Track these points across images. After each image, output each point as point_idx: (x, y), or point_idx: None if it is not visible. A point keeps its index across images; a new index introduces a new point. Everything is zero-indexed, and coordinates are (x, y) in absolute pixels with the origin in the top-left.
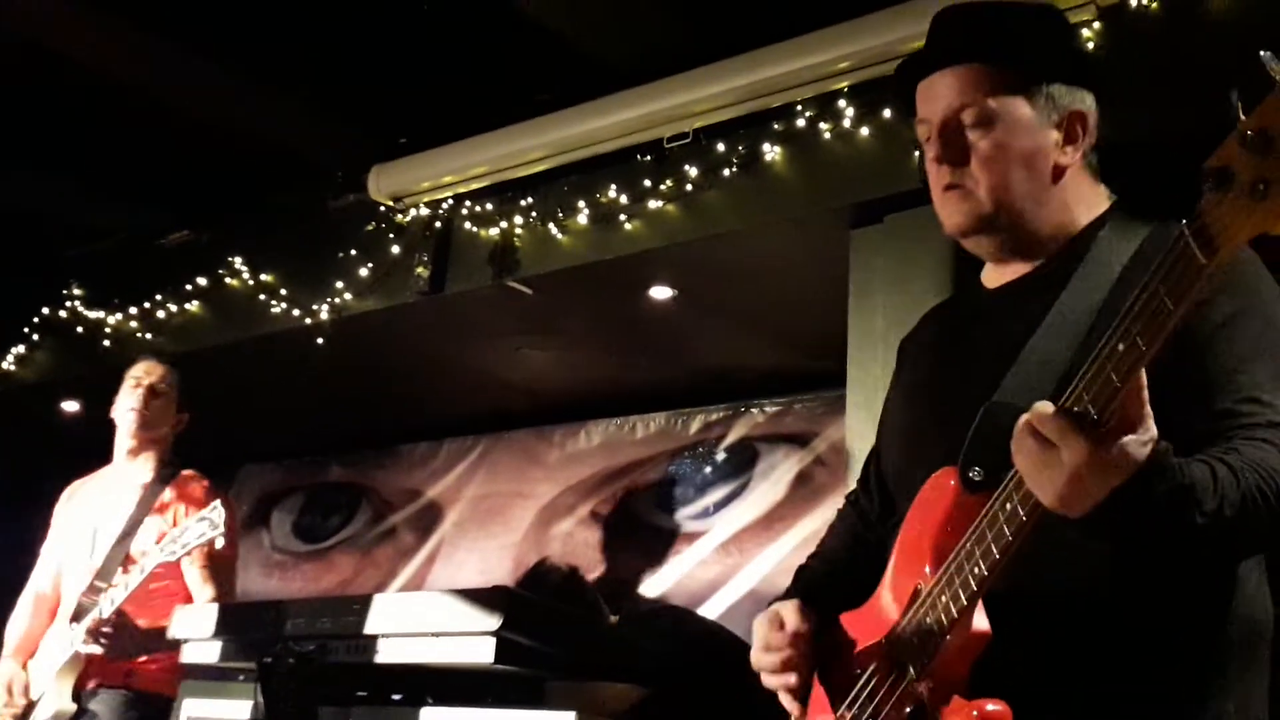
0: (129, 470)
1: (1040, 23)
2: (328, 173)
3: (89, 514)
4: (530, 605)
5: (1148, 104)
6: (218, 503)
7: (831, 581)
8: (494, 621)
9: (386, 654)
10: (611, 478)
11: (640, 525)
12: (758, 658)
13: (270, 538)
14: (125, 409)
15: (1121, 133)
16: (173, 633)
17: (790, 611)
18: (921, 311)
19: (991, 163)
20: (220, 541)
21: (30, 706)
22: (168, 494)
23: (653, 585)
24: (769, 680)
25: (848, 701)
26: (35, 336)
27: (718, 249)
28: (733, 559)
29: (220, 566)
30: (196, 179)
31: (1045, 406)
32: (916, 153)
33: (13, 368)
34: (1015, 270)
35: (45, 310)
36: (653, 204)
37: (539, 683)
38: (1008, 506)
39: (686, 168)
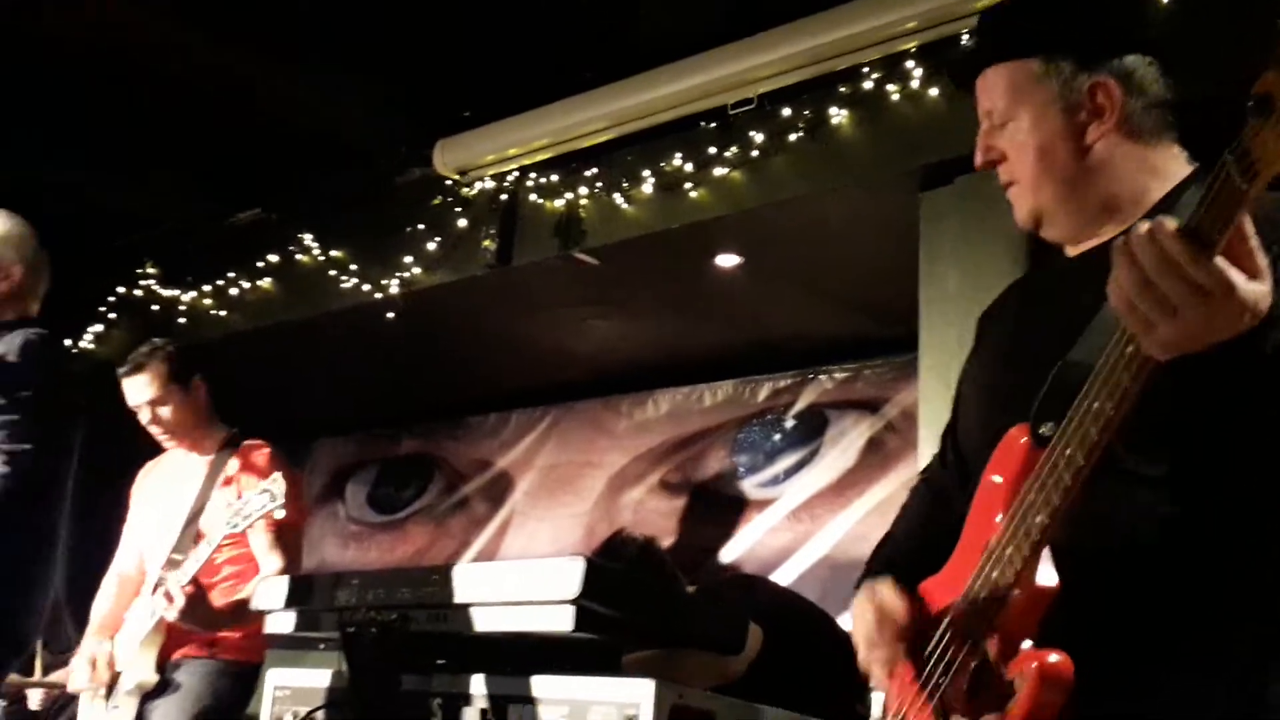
0: (190, 451)
1: (1046, 5)
2: (394, 148)
3: (162, 493)
4: (608, 573)
5: (1227, 60)
6: (278, 474)
7: (907, 559)
8: (573, 589)
9: (466, 623)
10: (680, 446)
11: (710, 493)
12: (866, 654)
13: (345, 509)
14: (148, 428)
15: (1199, 89)
16: (255, 603)
17: (893, 601)
18: (996, 273)
19: (1018, 162)
20: (281, 512)
21: (115, 678)
22: (232, 466)
23: (724, 553)
24: (878, 673)
25: (926, 663)
26: (112, 315)
27: (784, 215)
28: (804, 526)
29: (286, 535)
30: (266, 158)
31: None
32: None
33: (91, 346)
34: (1095, 239)
35: (121, 289)
36: (718, 171)
37: (617, 651)
38: (1066, 452)
39: (751, 134)
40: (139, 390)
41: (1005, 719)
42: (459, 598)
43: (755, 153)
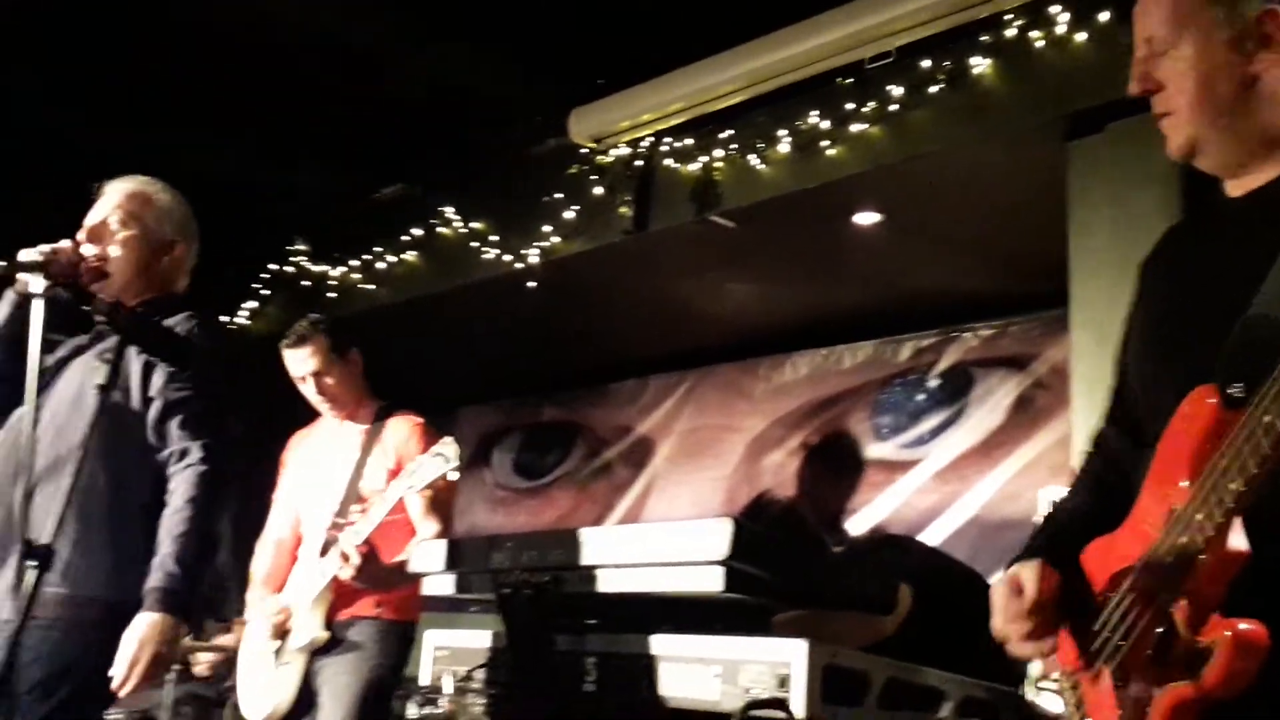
0: (345, 420)
1: None
2: (530, 119)
3: (317, 460)
4: (757, 535)
5: None
6: (450, 439)
7: (1076, 529)
8: (722, 550)
9: (617, 584)
10: (820, 408)
11: (852, 455)
12: (1001, 628)
13: (492, 476)
14: (311, 399)
15: None
16: (412, 566)
17: (1030, 575)
18: (1150, 222)
19: (1177, 91)
20: (454, 475)
21: (285, 636)
22: (386, 434)
23: (869, 515)
24: (1014, 649)
25: (1100, 627)
26: (265, 292)
27: (925, 170)
28: (951, 486)
29: (442, 500)
30: (407, 134)
31: None
32: None
33: (246, 321)
34: (1261, 176)
35: (273, 266)
36: (855, 128)
37: (767, 611)
38: (1264, 420)
39: (889, 88)
40: (302, 362)
41: (1199, 686)
42: (611, 559)
43: (894, 107)
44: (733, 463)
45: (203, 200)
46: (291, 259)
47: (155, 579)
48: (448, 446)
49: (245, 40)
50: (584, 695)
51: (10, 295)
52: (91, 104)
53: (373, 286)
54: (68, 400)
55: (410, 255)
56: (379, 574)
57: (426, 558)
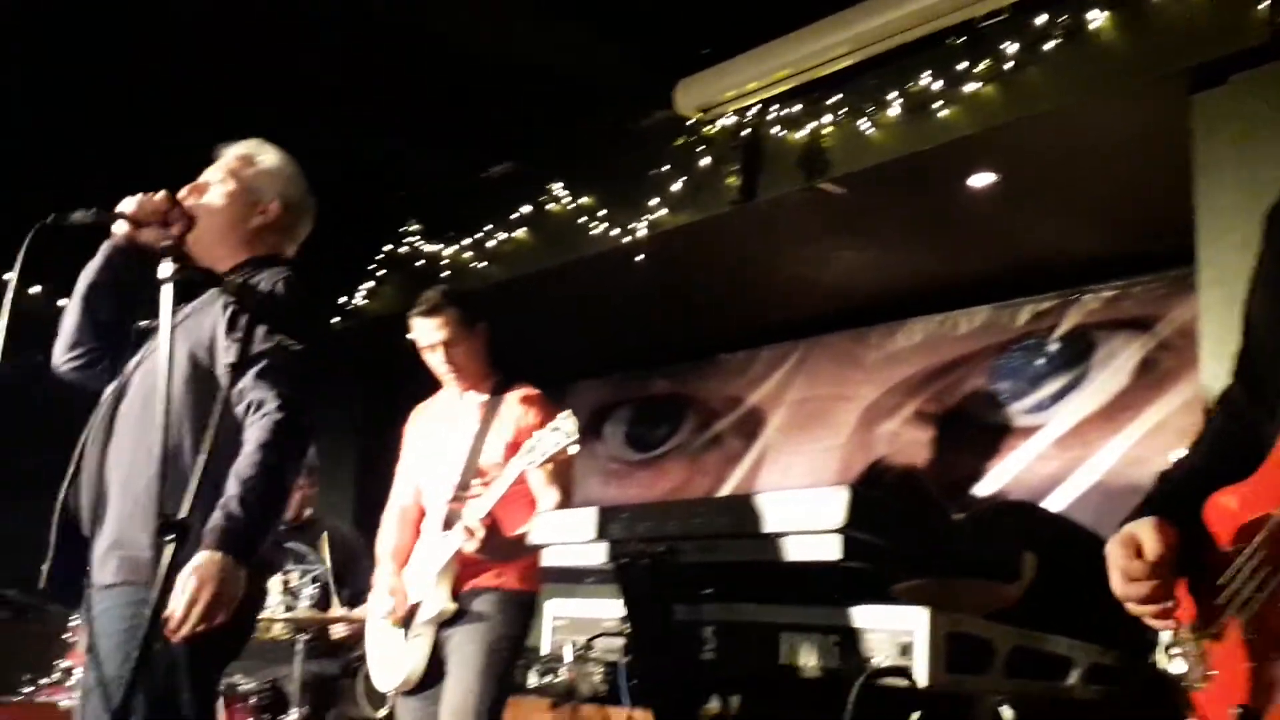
0: (467, 392)
1: None
2: (636, 92)
3: (438, 433)
4: (875, 502)
5: None
6: (568, 413)
7: (1195, 485)
8: (839, 519)
9: (734, 553)
10: (935, 376)
11: (970, 422)
12: (1119, 587)
13: (604, 449)
14: (437, 368)
15: None
16: (532, 537)
17: (1148, 534)
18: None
19: None
20: (574, 449)
21: (413, 609)
22: (504, 408)
23: (988, 482)
24: (1133, 609)
25: (1228, 580)
26: (381, 272)
27: (1042, 129)
28: (1074, 452)
29: (562, 472)
30: (515, 112)
31: None
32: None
33: (363, 302)
34: None
35: (388, 247)
36: (969, 87)
37: (885, 579)
38: None
39: (1004, 45)
40: (432, 331)
41: None
42: (726, 528)
43: (1009, 65)
44: (846, 432)
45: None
46: (405, 239)
47: (217, 518)
48: (566, 421)
49: (355, 23)
50: (702, 664)
51: (105, 245)
52: (208, 87)
53: (484, 264)
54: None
55: (520, 232)
56: (500, 545)
57: (545, 529)
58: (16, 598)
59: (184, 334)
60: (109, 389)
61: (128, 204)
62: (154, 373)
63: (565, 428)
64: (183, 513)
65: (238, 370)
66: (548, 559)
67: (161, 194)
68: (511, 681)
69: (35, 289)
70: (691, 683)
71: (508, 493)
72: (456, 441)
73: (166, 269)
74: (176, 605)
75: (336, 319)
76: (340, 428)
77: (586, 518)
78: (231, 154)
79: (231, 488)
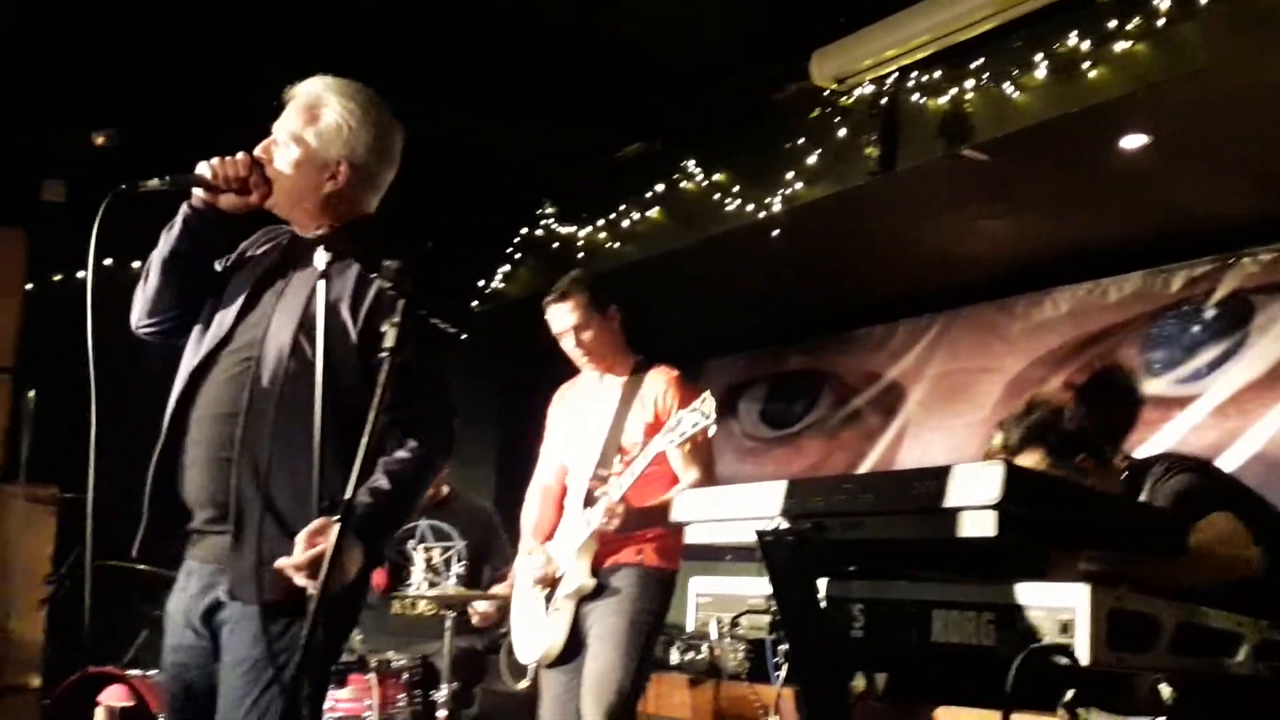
0: (606, 374)
1: None
2: (769, 65)
3: (579, 413)
4: (1030, 476)
5: None
6: (708, 394)
7: None
8: (994, 494)
9: (882, 529)
10: (1085, 346)
11: (1126, 392)
12: None
13: (739, 426)
14: (571, 353)
15: None
16: (674, 515)
17: None
18: None
19: None
20: (713, 430)
21: (555, 583)
22: (644, 388)
23: (1141, 455)
24: None
25: None
26: (518, 255)
27: (1196, 87)
28: (1232, 422)
29: (701, 450)
30: (647, 90)
31: None
32: None
33: (501, 285)
34: None
35: (524, 231)
36: (1119, 46)
37: (1042, 555)
38: None
39: (1155, 2)
40: (563, 317)
41: None
42: (874, 505)
43: (1161, 22)
44: (990, 406)
45: (456, 170)
46: (541, 222)
47: (359, 499)
48: (706, 402)
49: (489, 6)
50: (851, 641)
51: (183, 211)
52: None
53: (619, 244)
54: (282, 341)
55: (654, 211)
56: (638, 522)
57: (687, 506)
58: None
59: (287, 310)
60: (197, 355)
61: (204, 169)
62: (260, 347)
63: (705, 408)
64: (348, 493)
65: (395, 353)
66: (690, 536)
67: (240, 156)
68: (652, 657)
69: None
70: (839, 660)
71: (646, 471)
72: (597, 421)
73: (322, 258)
74: (296, 557)
75: (475, 302)
76: (481, 408)
77: (729, 495)
78: (295, 107)
79: (379, 478)
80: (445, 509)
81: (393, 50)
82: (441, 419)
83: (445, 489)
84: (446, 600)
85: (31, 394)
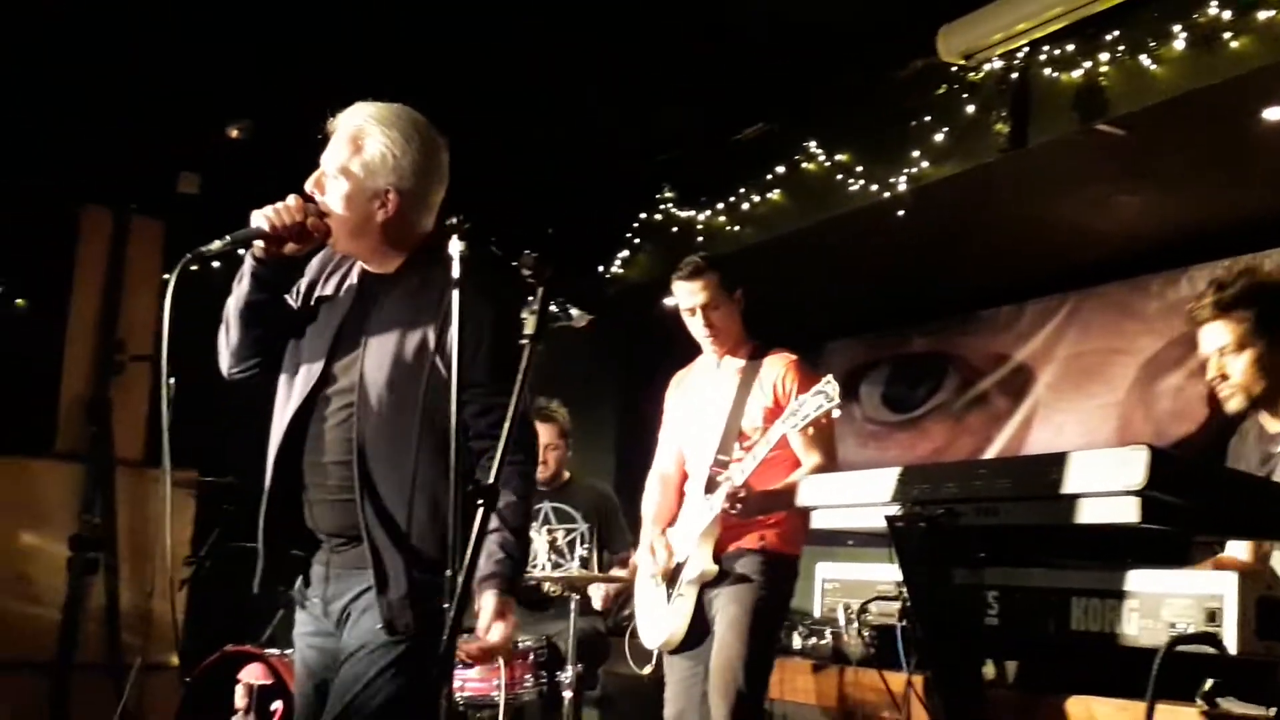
0: (725, 358)
1: None
2: (893, 42)
3: (698, 399)
4: (1175, 461)
5: None
6: (830, 377)
7: None
8: (1137, 480)
9: (1018, 516)
10: None
11: None
12: None
13: (861, 409)
14: (696, 332)
15: None
16: (800, 500)
17: None
18: None
19: None
20: (836, 413)
21: (677, 569)
22: (763, 372)
23: None
24: None
25: None
26: (636, 240)
27: None
28: None
29: (824, 434)
30: (766, 71)
31: None
32: None
33: (620, 270)
34: None
35: (643, 215)
36: (1263, 14)
37: (1185, 542)
38: None
39: None
40: (692, 294)
41: None
42: (1010, 491)
43: None
44: (1124, 388)
45: (575, 156)
46: (660, 206)
47: (501, 564)
48: (829, 385)
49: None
50: (986, 630)
51: (248, 263)
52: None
53: (738, 227)
54: (379, 381)
55: (774, 194)
56: (760, 506)
57: (813, 492)
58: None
59: (378, 350)
60: (293, 399)
61: (261, 220)
62: (359, 390)
63: (828, 391)
64: (489, 479)
65: (535, 340)
66: (817, 521)
67: (293, 201)
68: (776, 642)
69: None
70: (972, 648)
71: (768, 455)
72: (716, 406)
73: (456, 246)
74: (488, 641)
75: (595, 287)
76: (600, 392)
77: (857, 480)
78: (339, 140)
79: (503, 533)
80: (566, 491)
81: (512, 36)
82: (528, 426)
83: (566, 473)
84: (570, 582)
85: (171, 380)
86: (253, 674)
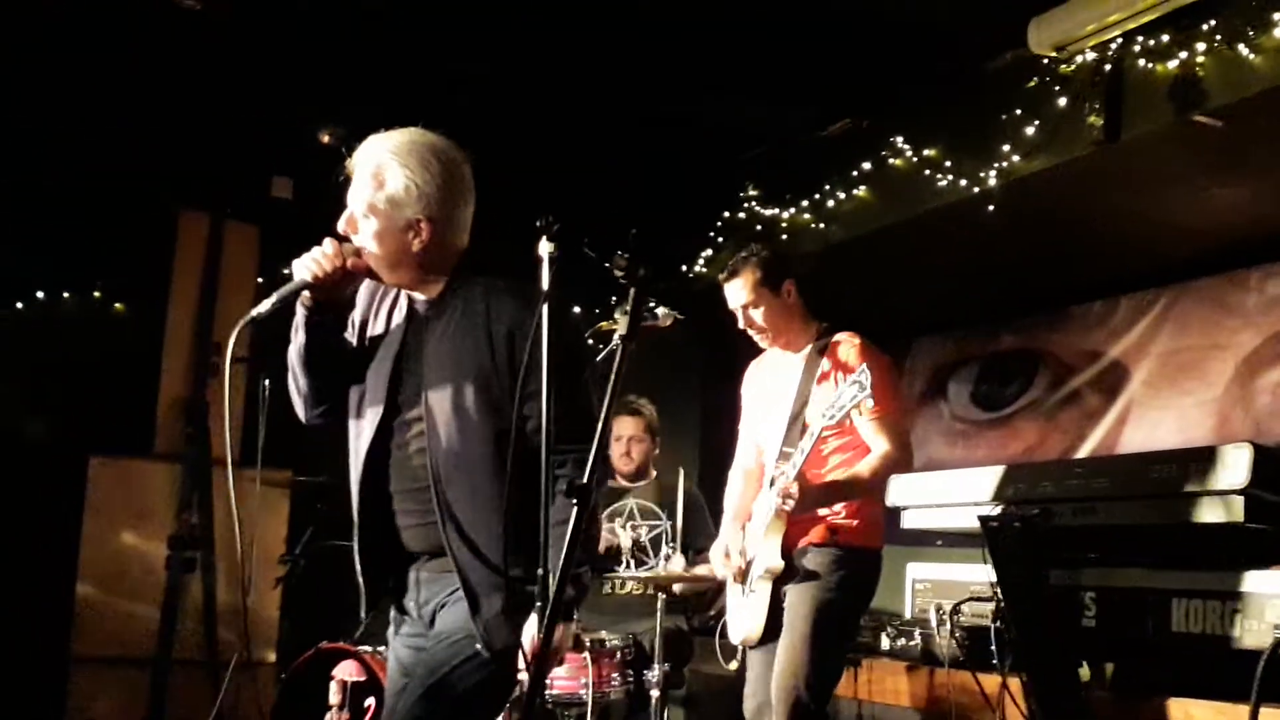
0: (788, 349)
1: None
2: (982, 35)
3: (766, 390)
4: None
5: None
6: (864, 366)
7: None
8: (1241, 479)
9: (1116, 515)
10: None
11: None
12: None
13: (949, 408)
14: (748, 329)
15: None
16: (891, 500)
17: None
18: None
19: None
20: (870, 402)
21: (749, 566)
22: (826, 362)
23: None
24: None
25: None
26: (719, 239)
27: None
28: None
29: (889, 418)
30: (852, 66)
31: None
32: None
33: (703, 269)
34: None
35: (726, 214)
36: None
37: None
38: None
39: None
40: (735, 294)
41: None
42: (1108, 490)
43: None
44: (1222, 384)
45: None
46: (744, 205)
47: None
48: (863, 374)
49: None
50: (1083, 631)
51: (300, 315)
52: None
53: (823, 225)
54: (444, 407)
55: (860, 190)
56: (818, 499)
57: (902, 491)
58: None
59: (438, 376)
60: (364, 432)
61: (304, 271)
62: (428, 418)
63: (862, 380)
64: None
65: (628, 340)
66: (907, 522)
67: (330, 247)
68: (846, 640)
69: None
70: (1070, 649)
71: (838, 444)
72: (783, 397)
73: (545, 247)
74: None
75: (678, 285)
76: (683, 389)
77: (948, 479)
78: (362, 178)
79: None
80: (652, 487)
81: (593, 34)
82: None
83: (653, 471)
84: (657, 582)
85: (266, 382)
86: (347, 671)
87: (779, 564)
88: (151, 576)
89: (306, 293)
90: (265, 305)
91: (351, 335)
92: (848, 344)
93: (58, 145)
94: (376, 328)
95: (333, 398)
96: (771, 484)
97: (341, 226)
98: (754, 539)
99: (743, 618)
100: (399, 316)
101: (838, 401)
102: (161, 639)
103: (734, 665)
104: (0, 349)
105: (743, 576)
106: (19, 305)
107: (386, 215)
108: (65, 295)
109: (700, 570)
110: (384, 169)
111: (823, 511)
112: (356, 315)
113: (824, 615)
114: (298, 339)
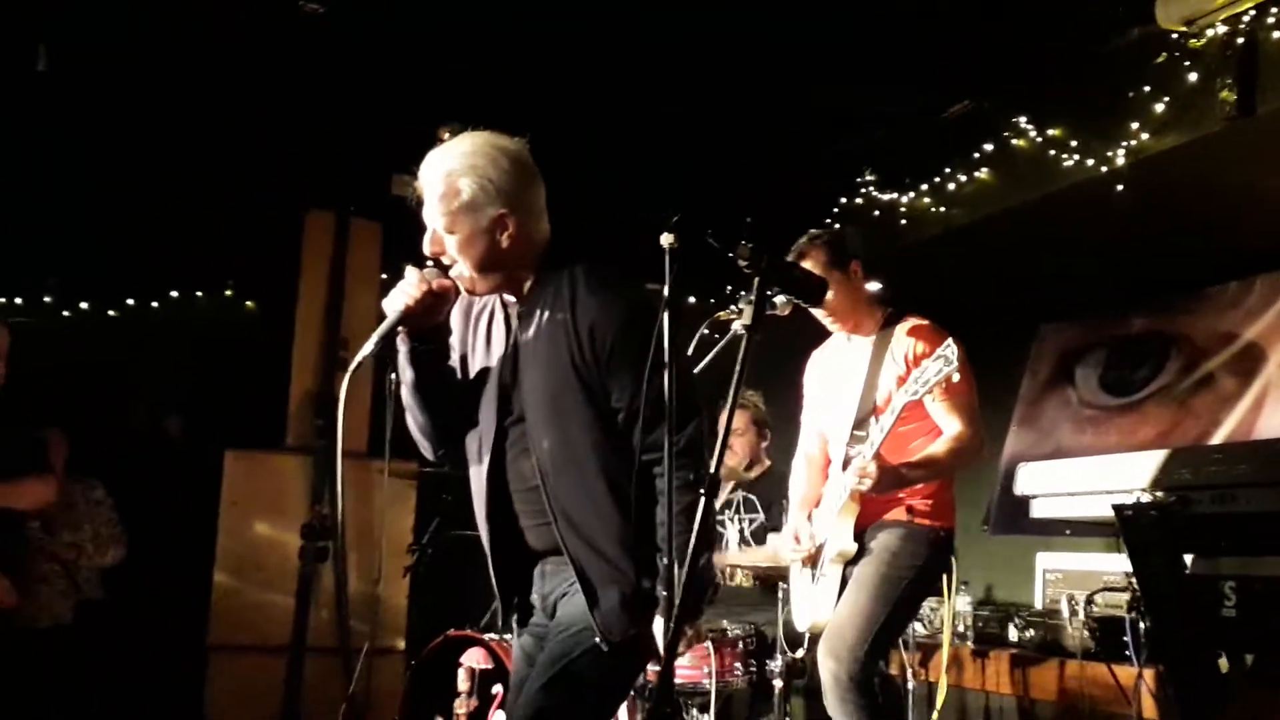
0: (854, 332)
1: None
2: (1108, 11)
3: (832, 376)
4: None
5: None
6: (950, 340)
7: None
8: None
9: (1258, 502)
10: None
11: None
12: None
13: (1076, 394)
14: (814, 313)
15: None
16: (1020, 489)
17: None
18: None
19: None
20: (956, 376)
21: (819, 550)
22: (893, 343)
23: None
24: None
25: None
26: (836, 225)
27: None
28: None
29: (961, 398)
30: (971, 46)
31: None
32: None
33: None
34: None
35: (843, 200)
36: None
37: None
38: None
39: None
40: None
41: None
42: (1251, 477)
43: None
44: None
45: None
46: (861, 190)
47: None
48: (948, 348)
49: None
50: (1222, 621)
51: (402, 351)
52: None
53: (944, 209)
54: (542, 405)
55: (982, 172)
56: (894, 480)
57: (1030, 480)
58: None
59: (535, 376)
60: (480, 450)
61: (398, 307)
62: (529, 417)
63: (948, 355)
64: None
65: (753, 331)
66: (1036, 511)
67: (412, 274)
68: (906, 614)
69: None
70: (1208, 641)
71: (909, 427)
72: (851, 382)
73: (667, 238)
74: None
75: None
76: (795, 379)
77: (1079, 467)
78: (435, 196)
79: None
80: (759, 481)
81: (709, 21)
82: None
83: (767, 461)
84: (758, 572)
85: (392, 376)
86: (474, 658)
87: (852, 547)
88: (285, 566)
89: (402, 327)
90: (368, 348)
91: (455, 365)
92: (915, 327)
93: (189, 151)
94: (475, 345)
95: (448, 432)
96: (845, 466)
97: (427, 248)
98: (824, 523)
99: (812, 604)
100: (499, 330)
101: (922, 376)
102: (296, 627)
103: (800, 653)
104: (137, 348)
105: (813, 561)
106: (154, 305)
107: (471, 221)
108: (198, 295)
109: (765, 556)
110: (454, 178)
111: (899, 494)
112: (455, 338)
113: (885, 581)
114: (406, 377)
